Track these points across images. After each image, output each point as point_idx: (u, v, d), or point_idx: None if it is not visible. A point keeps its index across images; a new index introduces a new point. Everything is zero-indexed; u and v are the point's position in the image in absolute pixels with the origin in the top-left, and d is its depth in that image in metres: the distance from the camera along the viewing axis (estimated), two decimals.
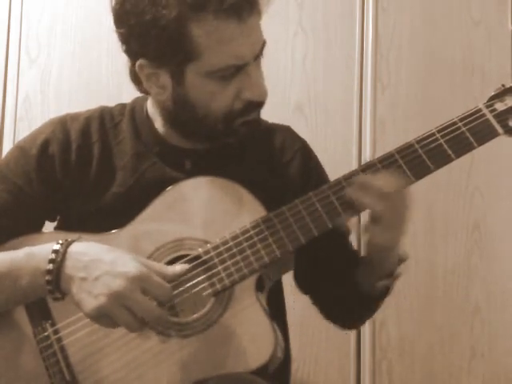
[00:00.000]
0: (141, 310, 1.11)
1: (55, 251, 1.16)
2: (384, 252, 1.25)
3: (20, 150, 1.36)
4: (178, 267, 1.19)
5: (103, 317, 1.12)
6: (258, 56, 1.25)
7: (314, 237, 1.21)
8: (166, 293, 1.14)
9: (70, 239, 1.18)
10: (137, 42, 1.23)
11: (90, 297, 1.12)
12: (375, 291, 1.30)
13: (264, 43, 1.26)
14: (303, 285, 1.44)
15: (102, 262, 1.14)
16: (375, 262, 1.27)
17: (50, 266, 1.15)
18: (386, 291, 1.32)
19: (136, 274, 1.11)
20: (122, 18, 1.23)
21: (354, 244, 1.42)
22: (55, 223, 1.40)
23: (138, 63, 1.25)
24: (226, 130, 1.27)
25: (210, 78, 1.22)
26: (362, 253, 1.30)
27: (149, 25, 1.19)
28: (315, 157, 1.46)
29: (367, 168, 1.21)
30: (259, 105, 1.27)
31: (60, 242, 1.17)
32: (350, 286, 1.33)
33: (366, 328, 2.03)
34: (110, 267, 1.12)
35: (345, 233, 1.38)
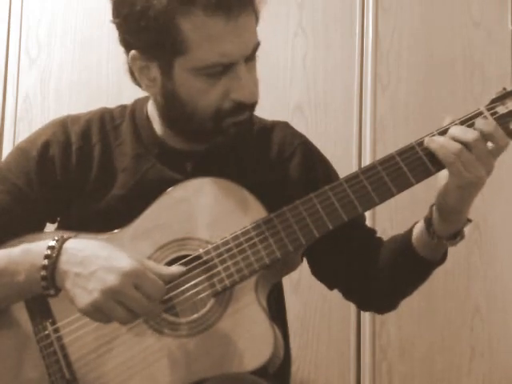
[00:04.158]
0: (133, 305, 1.12)
1: (51, 247, 1.16)
2: (462, 202, 1.20)
3: (20, 151, 1.36)
4: (175, 268, 1.19)
5: (97, 312, 1.12)
6: (250, 57, 1.24)
7: (316, 238, 1.21)
8: (159, 290, 1.14)
9: (65, 236, 1.19)
10: (129, 32, 1.24)
11: (85, 292, 1.12)
12: (436, 255, 1.28)
13: (257, 45, 1.24)
14: (329, 279, 1.43)
15: (97, 257, 1.14)
16: (449, 214, 1.22)
17: (46, 262, 1.15)
18: (445, 256, 1.29)
19: (130, 269, 1.12)
20: (117, 7, 1.24)
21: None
22: (56, 225, 1.40)
23: (130, 54, 1.25)
24: (215, 129, 1.26)
25: (197, 74, 1.22)
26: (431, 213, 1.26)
27: (139, 15, 1.19)
28: (318, 151, 1.45)
29: (367, 171, 1.21)
30: (249, 106, 1.26)
31: (56, 238, 1.18)
32: (389, 262, 1.33)
33: (366, 328, 2.03)
34: (105, 262, 1.13)
35: (360, 217, 1.36)
